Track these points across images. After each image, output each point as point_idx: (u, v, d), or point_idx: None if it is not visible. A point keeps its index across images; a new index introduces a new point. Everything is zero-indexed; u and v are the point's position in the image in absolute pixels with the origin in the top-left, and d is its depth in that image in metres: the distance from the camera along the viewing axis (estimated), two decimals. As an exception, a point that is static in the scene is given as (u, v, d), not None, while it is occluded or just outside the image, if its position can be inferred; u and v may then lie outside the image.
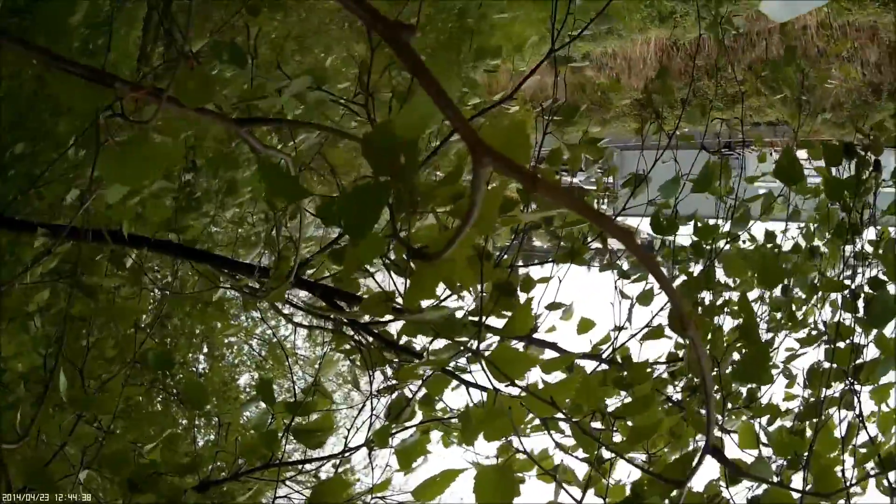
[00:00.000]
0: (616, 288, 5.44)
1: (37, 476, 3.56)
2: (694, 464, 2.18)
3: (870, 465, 4.75)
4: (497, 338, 4.73)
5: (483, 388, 4.01)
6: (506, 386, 3.10)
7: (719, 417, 4.66)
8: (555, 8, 5.25)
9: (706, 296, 5.11)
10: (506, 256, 5.27)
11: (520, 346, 5.01)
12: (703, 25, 6.60)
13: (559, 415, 4.10)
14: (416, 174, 2.29)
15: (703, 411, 4.71)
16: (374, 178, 2.21)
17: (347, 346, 5.10)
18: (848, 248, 5.36)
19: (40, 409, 3.60)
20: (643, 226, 5.89)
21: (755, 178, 6.12)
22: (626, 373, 4.55)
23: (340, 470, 4.99)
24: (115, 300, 5.30)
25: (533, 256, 5.66)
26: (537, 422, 4.80)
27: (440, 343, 3.81)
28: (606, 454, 4.29)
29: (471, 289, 3.68)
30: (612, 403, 4.50)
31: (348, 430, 4.99)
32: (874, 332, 4.91)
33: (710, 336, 4.61)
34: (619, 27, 21.43)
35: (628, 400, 4.43)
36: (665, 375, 4.87)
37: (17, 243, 5.18)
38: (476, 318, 3.37)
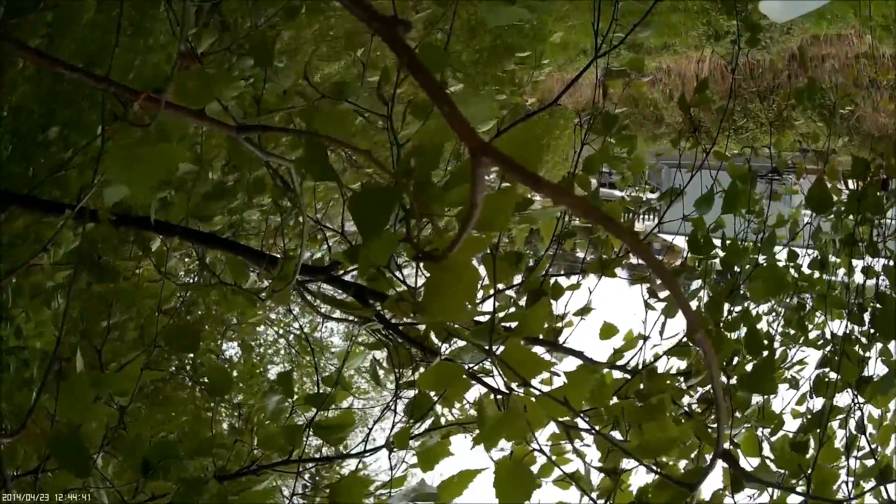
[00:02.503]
0: (643, 300, 5.41)
1: (70, 453, 3.53)
2: (706, 468, 2.17)
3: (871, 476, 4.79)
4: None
5: (500, 391, 4.01)
6: (518, 386, 3.09)
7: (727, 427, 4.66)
8: (597, 16, 5.23)
9: (726, 307, 5.13)
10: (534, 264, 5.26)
11: (541, 351, 5.02)
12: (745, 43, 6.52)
13: (576, 419, 4.13)
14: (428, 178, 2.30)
15: (713, 420, 4.72)
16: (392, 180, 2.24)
17: (371, 340, 5.11)
18: (857, 261, 5.41)
19: (39, 394, 3.58)
20: (679, 242, 5.89)
21: (781, 194, 6.15)
22: (643, 385, 4.56)
23: (361, 467, 4.98)
24: (138, 283, 5.32)
25: (576, 268, 5.62)
26: (555, 430, 4.82)
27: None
28: (623, 464, 4.30)
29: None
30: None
31: (369, 430, 5.00)
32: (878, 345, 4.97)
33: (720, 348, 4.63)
34: (674, 43, 21.39)
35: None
36: (683, 386, 4.87)
37: (43, 224, 5.21)
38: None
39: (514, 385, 3.13)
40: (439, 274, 2.26)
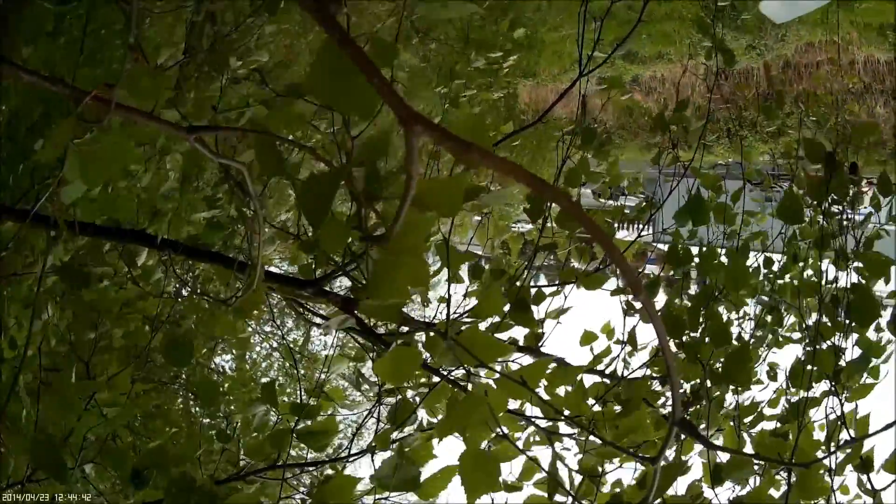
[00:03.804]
0: (622, 307, 5.50)
1: (48, 459, 3.58)
2: (665, 440, 2.21)
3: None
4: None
5: (463, 388, 4.08)
6: (475, 368, 3.11)
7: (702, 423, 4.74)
8: (582, 29, 5.29)
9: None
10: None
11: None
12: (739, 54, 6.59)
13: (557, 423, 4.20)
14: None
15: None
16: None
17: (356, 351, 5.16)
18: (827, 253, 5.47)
19: (7, 402, 3.64)
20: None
21: (755, 213, 6.24)
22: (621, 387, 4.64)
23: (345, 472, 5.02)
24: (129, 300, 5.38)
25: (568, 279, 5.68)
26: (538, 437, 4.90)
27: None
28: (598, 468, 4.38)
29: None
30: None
31: (353, 435, 5.07)
32: (855, 335, 5.03)
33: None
34: (669, 52, 21.41)
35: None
36: (659, 388, 4.94)
37: (33, 233, 5.25)
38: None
39: (471, 369, 3.17)
40: (386, 257, 2.27)
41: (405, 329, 4.44)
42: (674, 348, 4.96)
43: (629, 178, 6.77)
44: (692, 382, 4.91)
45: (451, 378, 4.11)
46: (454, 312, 4.00)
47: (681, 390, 5.00)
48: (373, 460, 4.48)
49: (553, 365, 4.88)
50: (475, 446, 3.14)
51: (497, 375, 3.17)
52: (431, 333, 3.26)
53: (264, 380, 14.73)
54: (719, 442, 4.91)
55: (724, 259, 5.39)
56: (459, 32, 13.23)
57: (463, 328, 3.13)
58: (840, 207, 5.34)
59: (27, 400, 4.28)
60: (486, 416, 3.08)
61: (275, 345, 15.30)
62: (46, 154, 2.52)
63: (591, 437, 4.35)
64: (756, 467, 4.58)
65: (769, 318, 5.81)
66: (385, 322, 4.56)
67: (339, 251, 4.35)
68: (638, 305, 5.44)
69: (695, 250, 5.40)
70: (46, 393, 3.80)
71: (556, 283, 5.39)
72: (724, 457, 4.56)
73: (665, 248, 5.64)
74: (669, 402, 4.98)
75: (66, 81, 2.54)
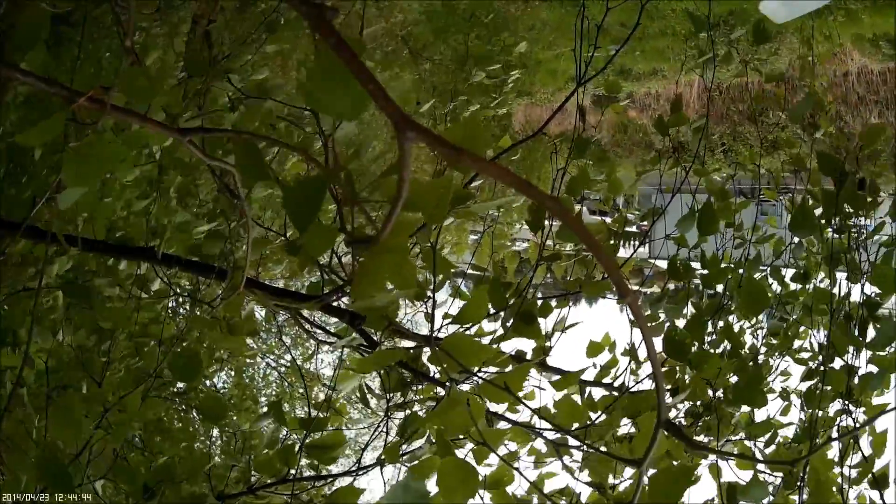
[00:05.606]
0: (628, 319, 5.49)
1: (57, 476, 3.57)
2: (650, 442, 2.20)
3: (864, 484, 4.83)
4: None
5: (442, 384, 4.08)
6: (459, 373, 3.09)
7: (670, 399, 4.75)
8: (579, 45, 5.30)
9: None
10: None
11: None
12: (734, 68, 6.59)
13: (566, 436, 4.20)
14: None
15: (703, 437, 4.81)
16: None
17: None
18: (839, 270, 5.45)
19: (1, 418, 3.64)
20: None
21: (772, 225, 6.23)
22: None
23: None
24: (135, 315, 5.39)
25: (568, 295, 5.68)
26: (544, 449, 4.91)
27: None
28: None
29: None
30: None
31: (363, 449, 5.08)
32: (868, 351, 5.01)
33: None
34: (663, 68, 21.42)
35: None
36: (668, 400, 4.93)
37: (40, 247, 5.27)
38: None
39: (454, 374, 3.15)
40: (371, 258, 2.26)
41: (409, 344, 4.45)
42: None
43: (626, 196, 6.77)
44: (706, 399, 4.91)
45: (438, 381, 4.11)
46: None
47: (689, 404, 5.01)
48: (382, 473, 4.50)
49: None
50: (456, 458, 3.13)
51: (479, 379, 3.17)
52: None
53: (263, 400, 14.75)
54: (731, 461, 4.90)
55: (730, 266, 5.38)
56: (455, 53, 13.26)
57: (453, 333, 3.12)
58: (852, 221, 5.35)
59: (34, 416, 4.29)
60: (465, 419, 3.08)
61: (273, 364, 15.32)
62: (31, 139, 2.51)
63: (590, 446, 4.36)
64: (770, 488, 4.59)
65: (782, 334, 5.79)
66: (376, 329, 4.55)
67: (324, 254, 4.33)
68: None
69: (695, 263, 5.40)
70: (53, 409, 3.80)
71: (560, 293, 5.39)
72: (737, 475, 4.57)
73: (663, 264, 5.63)
74: (680, 413, 4.99)
75: (61, 83, 2.55)
